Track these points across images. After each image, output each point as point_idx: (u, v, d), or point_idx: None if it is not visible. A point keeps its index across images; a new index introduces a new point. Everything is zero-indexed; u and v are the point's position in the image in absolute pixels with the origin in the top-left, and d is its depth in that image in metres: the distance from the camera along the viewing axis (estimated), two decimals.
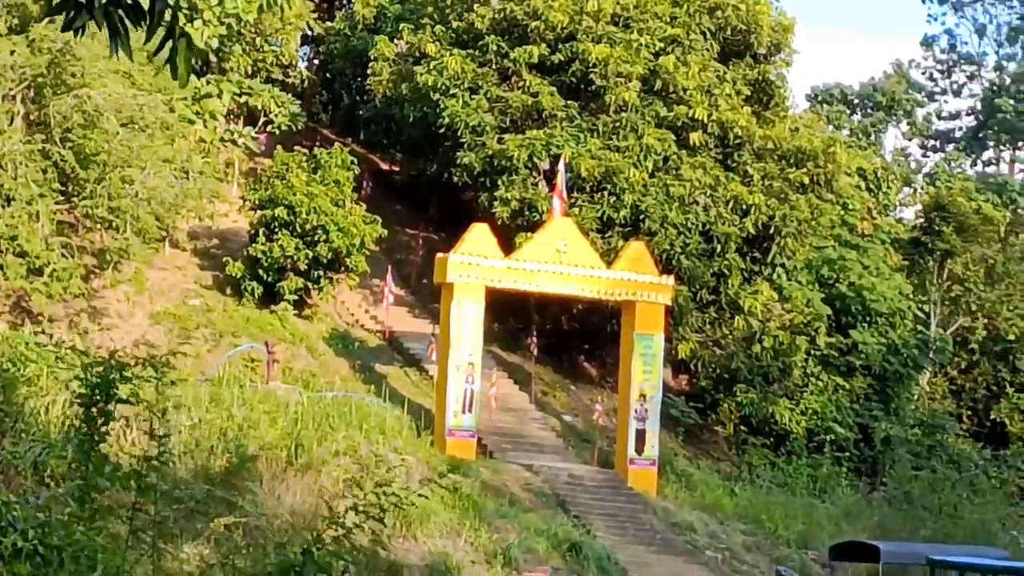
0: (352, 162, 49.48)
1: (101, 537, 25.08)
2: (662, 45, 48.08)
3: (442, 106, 47.73)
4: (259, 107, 53.96)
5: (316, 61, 61.09)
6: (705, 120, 47.65)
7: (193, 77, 33.96)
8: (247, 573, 30.21)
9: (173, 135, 44.62)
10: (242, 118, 54.29)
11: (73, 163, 40.19)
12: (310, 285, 46.43)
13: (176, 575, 30.00)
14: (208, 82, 50.79)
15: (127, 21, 5.80)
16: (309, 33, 59.02)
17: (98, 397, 23.91)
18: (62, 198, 41.29)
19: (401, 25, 51.77)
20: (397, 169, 56.95)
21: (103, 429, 25.52)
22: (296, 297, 46.12)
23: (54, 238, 40.77)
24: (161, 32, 5.81)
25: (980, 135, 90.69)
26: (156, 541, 29.69)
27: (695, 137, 47.31)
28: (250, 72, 53.41)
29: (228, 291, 46.59)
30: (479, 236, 42.14)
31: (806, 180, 47.65)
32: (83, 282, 41.77)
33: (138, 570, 29.11)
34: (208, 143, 49.70)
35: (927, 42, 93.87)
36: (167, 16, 5.97)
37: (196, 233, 49.48)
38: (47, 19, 39.03)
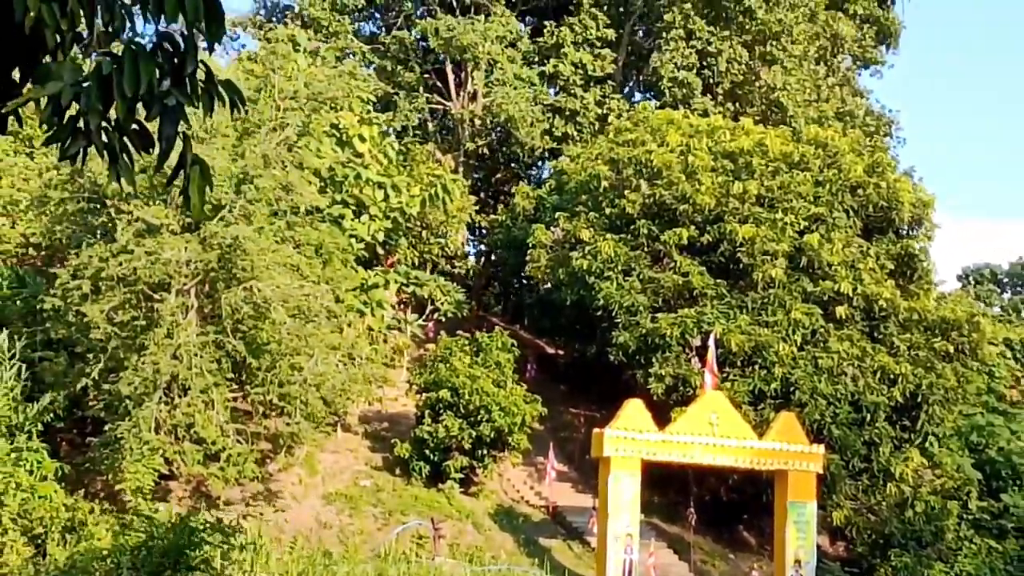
0: (513, 344, 56.05)
1: None
2: (806, 223, 54.24)
3: (597, 288, 54.16)
4: (426, 296, 60.15)
5: (482, 250, 67.96)
6: (850, 294, 53.75)
7: (361, 268, 47.77)
8: None
9: (340, 323, 51.06)
10: (410, 306, 60.63)
11: (244, 353, 46.26)
12: (475, 463, 53.02)
13: None
14: (375, 273, 56.71)
15: (131, 148, 8.04)
16: (475, 225, 66.58)
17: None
18: (235, 386, 47.56)
19: (557, 214, 57.85)
20: (561, 352, 63.32)
21: None
22: (462, 475, 52.66)
23: (229, 425, 46.61)
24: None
25: None
26: None
27: (841, 311, 53.60)
28: (417, 263, 59.64)
29: (397, 471, 53.30)
30: (634, 411, 48.01)
31: (951, 349, 53.55)
32: (257, 466, 47.83)
33: None
34: (376, 331, 56.53)
35: None
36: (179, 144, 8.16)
37: (366, 417, 56.28)
38: (216, 218, 45.98)
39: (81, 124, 7.45)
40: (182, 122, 7.90)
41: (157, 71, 7.57)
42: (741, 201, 54.49)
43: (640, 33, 67.78)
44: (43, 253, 50.27)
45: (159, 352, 44.85)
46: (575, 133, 63.86)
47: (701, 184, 54.48)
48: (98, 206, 47.13)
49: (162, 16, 7.70)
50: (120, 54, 7.41)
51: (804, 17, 65.48)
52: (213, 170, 43.71)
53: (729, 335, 52.83)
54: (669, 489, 55.08)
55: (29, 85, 7.92)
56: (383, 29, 69.51)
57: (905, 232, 57.21)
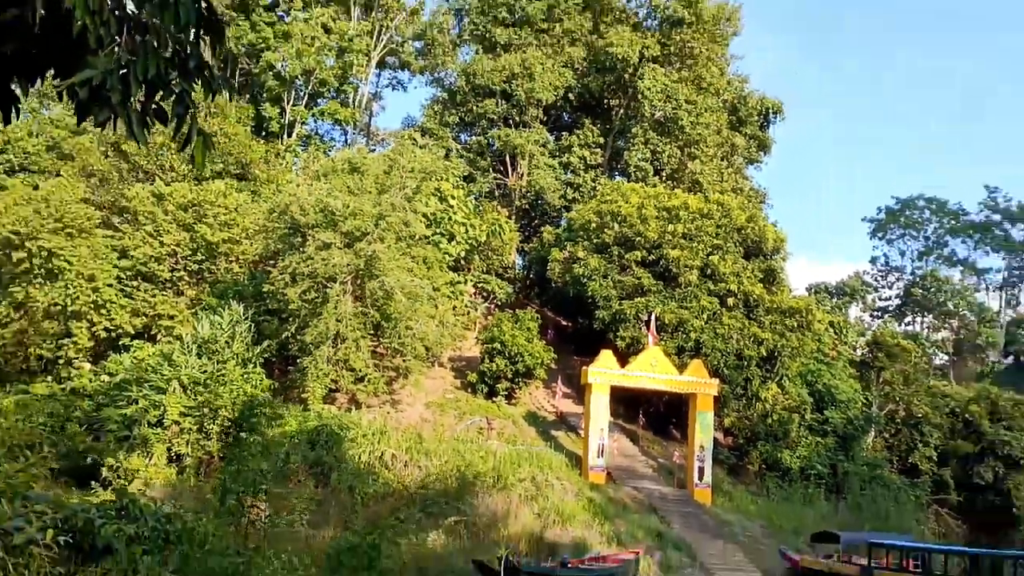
0: (538, 318, 56.24)
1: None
2: (711, 249, 54.68)
3: (588, 286, 54.88)
4: (489, 289, 60.78)
5: (524, 264, 67.49)
6: (736, 291, 54.39)
7: (451, 272, 48.55)
8: (466, 551, 35.65)
9: (436, 303, 51.00)
10: (480, 295, 61.00)
11: (378, 318, 47.54)
12: (513, 386, 53.73)
13: (422, 555, 36.54)
14: (460, 275, 57.51)
15: (149, 120, 7.14)
16: (520, 249, 65.76)
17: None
18: (373, 338, 48.12)
19: (566, 243, 58.12)
20: (567, 323, 63.18)
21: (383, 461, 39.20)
22: (506, 393, 53.34)
23: (369, 361, 47.84)
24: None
25: (902, 309, 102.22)
26: (412, 531, 41.64)
27: (731, 301, 54.32)
28: (484, 270, 59.67)
29: (468, 390, 53.84)
30: (606, 357, 49.27)
31: (796, 325, 54.13)
32: (386, 386, 49.26)
33: (404, 545, 40.09)
34: (458, 308, 56.58)
35: (873, 260, 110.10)
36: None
37: (452, 358, 56.53)
38: (364, 240, 46.22)
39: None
40: (189, 103, 7.43)
41: (164, 64, 7.04)
42: (672, 236, 54.65)
43: (618, 140, 66.55)
44: (265, 258, 50.43)
45: (329, 318, 45.96)
46: (578, 197, 63.26)
47: (649, 226, 54.70)
48: (295, 231, 47.57)
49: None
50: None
51: (714, 132, 65.29)
52: (362, 212, 45.82)
53: (664, 314, 53.33)
54: (627, 403, 55.13)
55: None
56: (469, 134, 68.61)
57: (769, 256, 57.13)
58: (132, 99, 7.00)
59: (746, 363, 54.15)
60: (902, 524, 52.01)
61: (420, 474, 43.04)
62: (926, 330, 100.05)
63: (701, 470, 49.96)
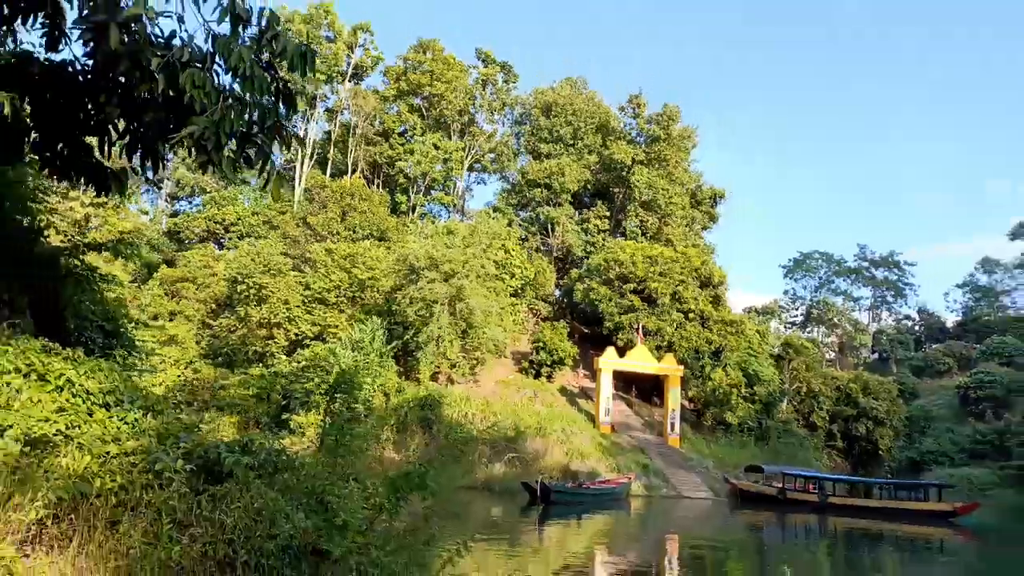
0: (567, 327, 55.83)
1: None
2: (677, 282, 53.32)
3: (599, 306, 53.89)
4: (536, 308, 60.11)
5: (560, 292, 63.84)
6: (694, 309, 53.14)
7: (512, 297, 47.95)
8: (518, 476, 37.20)
9: (502, 317, 50.70)
10: (530, 312, 60.29)
11: (464, 326, 46.90)
12: (552, 370, 52.88)
13: (491, 478, 37.36)
14: (516, 301, 56.81)
15: (239, 164, 6.51)
16: (557, 283, 63.56)
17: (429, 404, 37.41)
18: (462, 339, 47.48)
19: (585, 279, 57.35)
20: (587, 330, 61.05)
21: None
22: (548, 375, 52.65)
23: (459, 353, 47.55)
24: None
25: (805, 323, 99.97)
26: (485, 463, 42.43)
27: (691, 316, 52.93)
28: (534, 296, 59.14)
29: (523, 373, 53.03)
30: (610, 352, 48.75)
31: (734, 331, 53.24)
32: (470, 370, 48.75)
33: (478, 471, 41.03)
34: (516, 321, 56.24)
35: (785, 292, 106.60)
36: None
37: (513, 352, 55.39)
38: (454, 277, 45.73)
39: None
40: (268, 152, 6.79)
41: (247, 123, 6.41)
42: (653, 274, 53.59)
43: (619, 214, 65.64)
44: (394, 289, 49.38)
45: (433, 327, 45.45)
46: (593, 250, 62.29)
47: (637, 267, 53.71)
48: (412, 271, 47.23)
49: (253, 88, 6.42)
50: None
51: (680, 208, 64.54)
52: (454, 259, 45.62)
53: (647, 324, 52.37)
54: (625, 381, 53.73)
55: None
56: (524, 211, 68.31)
57: (715, 286, 55.89)
58: (223, 148, 6.35)
59: (702, 356, 52.78)
60: (807, 462, 50.98)
61: (490, 426, 42.76)
62: (820, 336, 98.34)
63: (673, 425, 49.10)
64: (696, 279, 54.46)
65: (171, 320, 52.27)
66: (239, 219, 64.93)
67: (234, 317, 48.99)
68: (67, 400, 8.62)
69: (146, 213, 77.55)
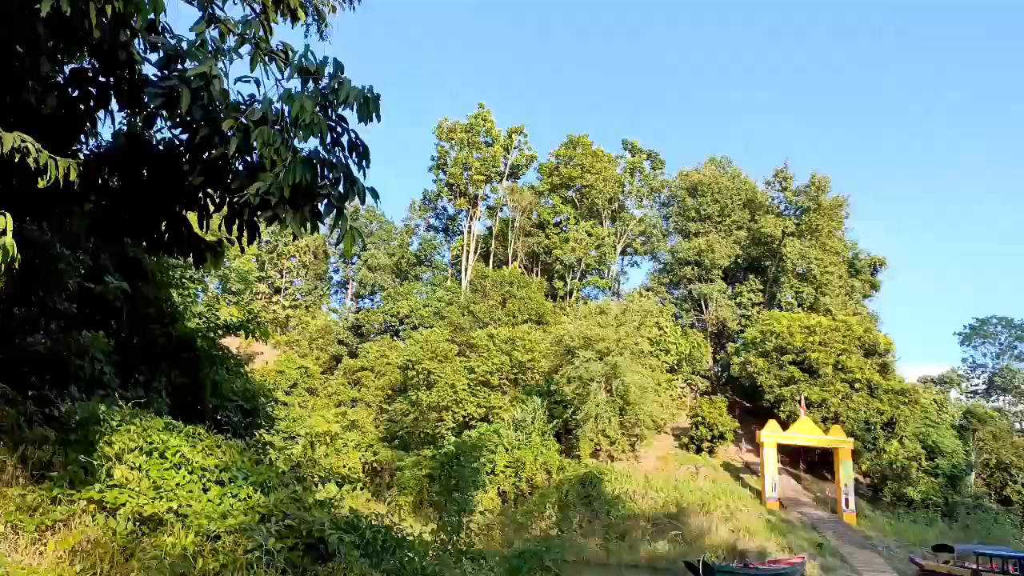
0: (726, 401, 52.58)
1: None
2: (840, 351, 48.70)
3: (757, 379, 50.55)
4: (693, 383, 57.16)
5: (718, 367, 61.23)
6: (860, 379, 48.08)
7: (668, 373, 45.75)
8: (682, 555, 38.15)
9: (659, 392, 49.13)
10: (688, 387, 57.50)
11: (621, 404, 45.06)
12: (712, 445, 49.87)
13: (654, 556, 35.21)
14: (672, 376, 54.75)
15: (306, 219, 5.90)
16: (713, 356, 61.27)
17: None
18: (619, 416, 45.56)
19: (741, 351, 53.61)
20: (747, 403, 57.08)
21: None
22: (708, 449, 49.65)
23: (618, 430, 45.57)
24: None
25: (988, 391, 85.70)
26: (647, 540, 39.83)
27: (857, 385, 48.09)
28: (691, 371, 56.49)
29: (683, 448, 50.20)
30: (772, 425, 45.30)
31: (907, 400, 47.72)
32: (629, 447, 46.78)
33: (641, 549, 38.43)
34: (673, 396, 54.27)
35: (963, 360, 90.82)
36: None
37: (672, 427, 52.69)
38: (609, 355, 44.61)
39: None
40: (337, 205, 6.24)
41: (309, 174, 5.86)
42: (812, 343, 50.12)
43: (772, 287, 62.25)
44: (552, 370, 48.84)
45: (590, 404, 44.39)
46: (748, 323, 59.34)
47: (795, 338, 50.43)
48: (568, 352, 46.66)
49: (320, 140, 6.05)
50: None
51: (837, 276, 60.52)
52: (607, 338, 44.39)
53: (810, 395, 48.54)
54: (792, 455, 50.11)
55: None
56: (677, 289, 66.32)
57: (882, 354, 51.52)
58: (286, 203, 5.84)
59: (872, 427, 48.04)
60: (1002, 540, 44.09)
61: (651, 503, 40.66)
62: (1007, 405, 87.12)
63: (847, 500, 44.25)
64: (860, 348, 50.06)
65: (353, 406, 53.95)
66: (412, 311, 67.03)
67: (407, 402, 49.95)
68: (184, 477, 8.20)
69: (336, 312, 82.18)
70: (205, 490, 8.36)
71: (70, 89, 6.69)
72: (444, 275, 78.14)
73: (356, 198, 6.30)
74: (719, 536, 37.66)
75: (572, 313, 54.45)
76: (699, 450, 49.82)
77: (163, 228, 7.10)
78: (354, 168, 6.26)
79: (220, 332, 11.16)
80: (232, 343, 66.28)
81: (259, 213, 6.05)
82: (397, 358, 53.71)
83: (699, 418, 50.28)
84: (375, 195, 6.30)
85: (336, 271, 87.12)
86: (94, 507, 7.32)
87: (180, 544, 7.00)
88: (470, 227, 77.31)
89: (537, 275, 71.16)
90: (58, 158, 5.44)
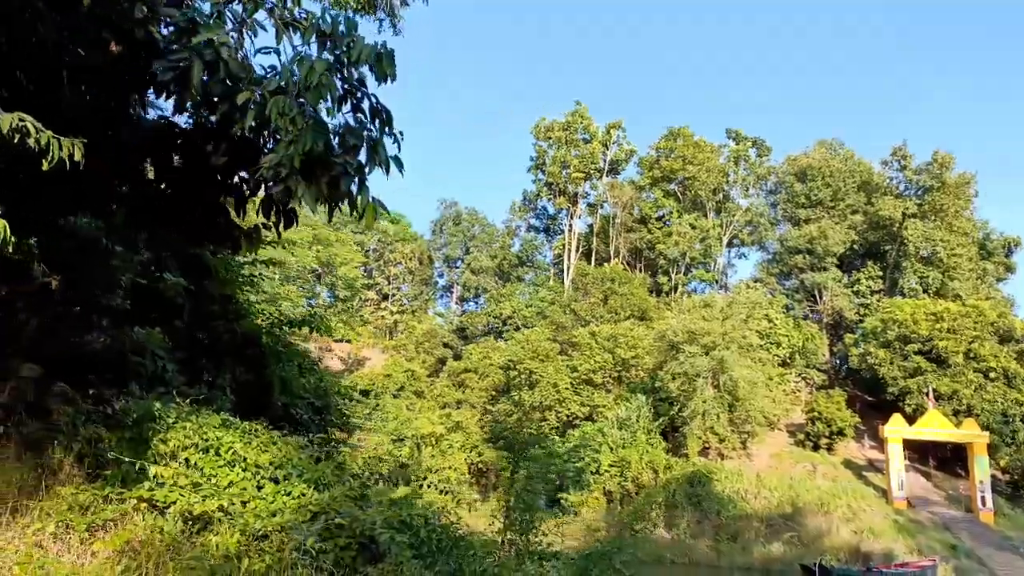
0: (844, 395, 49.96)
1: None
2: (971, 339, 45.42)
3: (878, 370, 47.59)
4: (809, 377, 54.81)
5: (835, 359, 58.94)
6: (996, 368, 44.71)
7: (779, 367, 43.47)
8: (798, 557, 33.30)
9: (770, 387, 46.97)
10: (803, 381, 54.99)
11: (730, 399, 43.55)
12: (831, 442, 47.20)
13: (768, 559, 33.73)
14: (785, 370, 52.12)
15: (322, 192, 5.30)
16: (830, 348, 58.49)
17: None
18: (728, 412, 43.86)
19: (860, 342, 51.12)
20: (869, 397, 54.38)
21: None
22: (827, 446, 47.04)
23: (726, 427, 43.87)
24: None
25: None
26: (761, 542, 37.63)
27: (994, 376, 44.79)
28: (805, 365, 54.04)
29: (799, 446, 47.84)
30: (896, 419, 42.60)
31: None
32: (740, 444, 45.10)
33: (754, 550, 36.37)
34: (786, 391, 51.88)
35: None
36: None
37: (787, 424, 50.41)
38: (714, 349, 43.01)
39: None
40: (356, 176, 5.60)
41: (321, 143, 5.30)
42: (940, 331, 46.71)
43: (893, 273, 59.00)
44: (656, 366, 47.76)
45: (697, 401, 43.17)
46: (867, 312, 56.57)
47: (920, 326, 47.17)
48: (671, 347, 45.37)
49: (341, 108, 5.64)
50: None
51: (966, 259, 57.02)
52: (712, 331, 42.77)
53: (939, 386, 45.43)
54: (919, 451, 47.01)
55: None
56: (788, 279, 63.63)
57: (1019, 340, 46.97)
58: (298, 174, 5.37)
59: (1011, 419, 44.12)
60: None
61: (764, 503, 38.79)
62: None
63: (983, 498, 40.91)
64: (994, 334, 46.28)
65: (457, 408, 54.28)
66: (514, 312, 67.01)
67: (510, 402, 49.82)
68: (238, 474, 7.98)
69: (442, 316, 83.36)
70: (259, 487, 7.91)
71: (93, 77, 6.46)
72: (546, 275, 77.85)
73: (379, 167, 5.75)
74: (839, 537, 35.50)
75: (676, 307, 52.56)
76: (816, 447, 47.28)
77: (196, 215, 6.80)
78: (375, 135, 5.76)
79: (285, 329, 11.04)
80: (343, 349, 68.41)
81: (273, 187, 5.58)
82: (499, 359, 53.70)
83: (815, 413, 47.64)
84: (399, 164, 5.79)
85: (441, 276, 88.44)
86: (145, 506, 7.16)
87: (225, 544, 6.76)
88: (571, 225, 76.81)
89: (640, 271, 69.81)
90: (62, 138, 5.21)
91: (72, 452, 7.47)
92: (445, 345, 68.45)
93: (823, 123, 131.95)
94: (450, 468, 46.12)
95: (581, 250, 75.78)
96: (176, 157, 6.68)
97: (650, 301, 57.55)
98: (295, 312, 12.42)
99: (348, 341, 72.58)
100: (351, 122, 5.73)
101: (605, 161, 76.82)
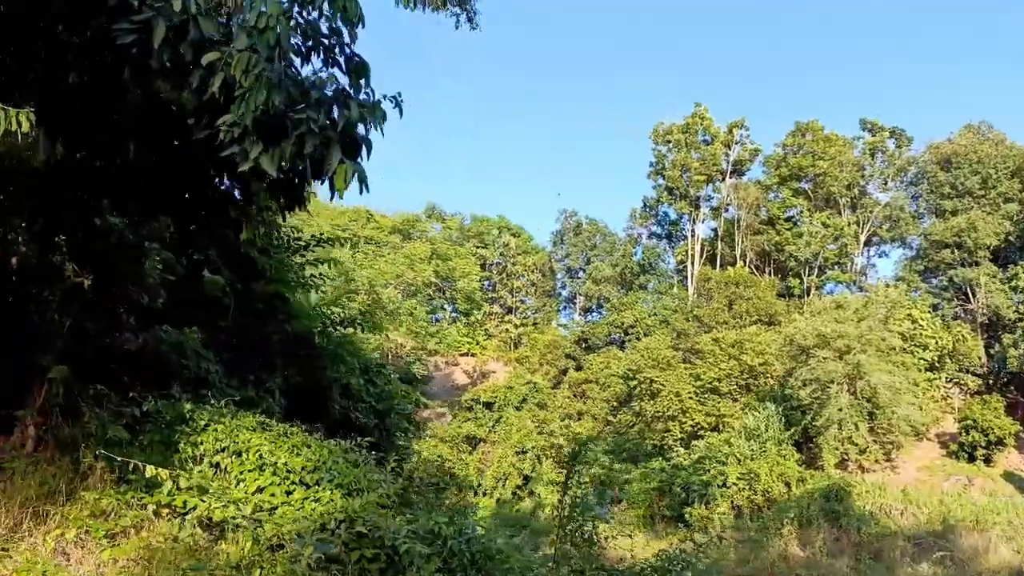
0: (1003, 401, 45.29)
1: None
2: None
3: None
4: (962, 382, 49.85)
5: (993, 360, 52.37)
6: None
7: (925, 371, 39.54)
8: None
9: (916, 394, 42.88)
10: (956, 386, 50.17)
11: (869, 407, 40.34)
12: (988, 452, 42.98)
13: None
14: (933, 375, 47.93)
15: (281, 156, 4.73)
16: (986, 349, 52.85)
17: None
18: (869, 421, 40.74)
19: (1021, 344, 47.27)
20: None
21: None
22: (984, 458, 43.06)
23: (865, 436, 40.49)
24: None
25: None
26: (908, 563, 34.05)
27: None
28: (957, 368, 49.02)
29: (951, 457, 44.30)
30: None
31: None
32: (884, 456, 41.85)
33: (899, 572, 32.84)
34: (935, 397, 47.88)
35: None
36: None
37: (937, 433, 46.83)
38: (850, 352, 39.34)
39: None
40: (320, 133, 5.01)
41: (277, 98, 4.71)
42: None
43: None
44: (787, 373, 45.19)
45: (832, 409, 40.38)
46: None
47: None
48: (801, 351, 42.89)
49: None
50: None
51: None
52: (846, 334, 39.73)
53: None
54: None
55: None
56: (933, 276, 59.14)
57: None
58: (249, 134, 4.84)
59: None
60: None
61: (911, 519, 35.47)
62: None
63: None
64: None
65: (579, 419, 53.55)
66: (637, 321, 65.59)
67: (631, 413, 48.56)
68: (266, 479, 7.62)
69: (566, 327, 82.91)
70: (288, 493, 7.63)
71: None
72: (670, 282, 75.75)
73: (352, 125, 5.17)
74: (998, 557, 31.61)
75: (806, 310, 49.47)
76: (971, 458, 43.24)
77: (188, 197, 6.43)
78: (347, 89, 5.23)
79: (338, 328, 10.64)
80: (468, 363, 69.15)
81: (228, 151, 5.02)
82: (619, 368, 52.47)
83: (970, 421, 43.57)
84: (378, 115, 5.19)
85: (563, 287, 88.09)
86: (167, 512, 6.96)
87: (237, 553, 6.48)
88: (693, 230, 74.65)
89: (769, 275, 66.55)
90: (9, 108, 4.93)
91: (102, 456, 7.28)
92: (567, 356, 67.77)
93: (968, 106, 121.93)
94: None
95: (705, 255, 73.38)
96: (166, 136, 6.42)
97: (778, 305, 54.74)
98: (346, 312, 12.01)
99: (473, 355, 73.62)
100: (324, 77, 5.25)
101: (728, 162, 74.34)
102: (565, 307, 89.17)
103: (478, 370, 68.42)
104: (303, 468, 7.73)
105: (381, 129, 5.47)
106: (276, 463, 7.86)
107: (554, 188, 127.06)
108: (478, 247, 79.27)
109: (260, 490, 7.58)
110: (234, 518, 7.10)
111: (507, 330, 77.68)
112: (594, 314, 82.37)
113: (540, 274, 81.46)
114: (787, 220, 69.74)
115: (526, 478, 50.39)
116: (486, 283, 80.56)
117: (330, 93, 5.12)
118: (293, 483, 7.63)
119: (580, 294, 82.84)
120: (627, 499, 43.43)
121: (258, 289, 9.31)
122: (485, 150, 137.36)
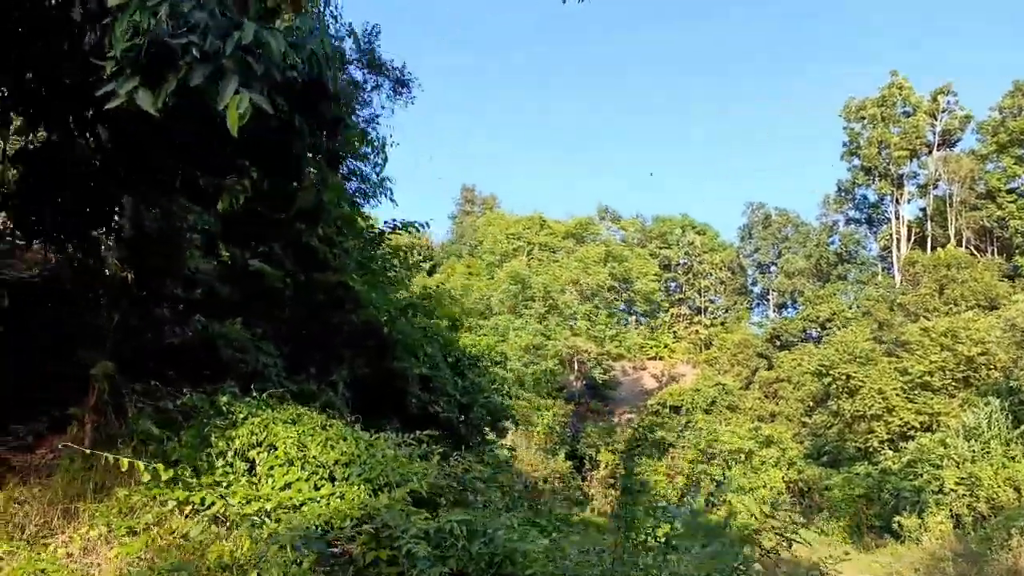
0: None
1: None
2: None
3: None
4: None
5: None
6: None
7: None
8: None
9: None
10: None
11: None
12: None
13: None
14: None
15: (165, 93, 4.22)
16: None
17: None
18: None
19: None
20: None
21: None
22: None
23: None
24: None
25: None
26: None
27: None
28: None
29: None
30: None
31: None
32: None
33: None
34: None
35: None
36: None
37: None
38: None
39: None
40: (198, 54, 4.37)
41: (148, 19, 4.14)
42: None
43: None
44: (1013, 361, 39.96)
45: None
46: None
47: None
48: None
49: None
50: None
51: None
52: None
53: None
54: None
55: None
56: None
57: None
58: (130, 66, 4.30)
59: None
60: None
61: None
62: None
63: None
64: None
65: (771, 421, 50.12)
66: (834, 314, 60.48)
67: (828, 412, 44.63)
68: (295, 474, 7.32)
69: (760, 326, 78.48)
70: (317, 488, 7.26)
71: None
72: (872, 271, 69.28)
73: (243, 52, 4.41)
74: None
75: None
76: None
77: (156, 168, 6.09)
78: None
79: (395, 312, 10.00)
80: (656, 367, 67.25)
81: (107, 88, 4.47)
82: (811, 365, 48.48)
83: None
84: (275, 37, 4.45)
85: (754, 284, 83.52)
86: (190, 508, 6.83)
87: (238, 553, 6.18)
88: (897, 212, 67.85)
89: (993, 255, 58.95)
90: None
91: (141, 452, 7.20)
92: (759, 355, 63.81)
93: None
94: (764, 487, 42.47)
95: (914, 238, 66.36)
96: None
97: (1000, 287, 48.10)
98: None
99: (661, 358, 71.59)
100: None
101: (935, 134, 67.12)
102: (758, 304, 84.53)
103: (667, 374, 66.40)
104: (336, 462, 7.34)
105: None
106: (306, 457, 7.43)
107: (737, 184, 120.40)
108: (661, 247, 77.08)
109: (288, 486, 7.18)
110: (248, 515, 6.75)
111: (696, 331, 74.82)
112: (789, 310, 77.27)
113: (729, 272, 77.87)
114: (1010, 192, 62.29)
115: (717, 483, 47.80)
116: (672, 284, 78.13)
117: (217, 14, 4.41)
118: (323, 478, 7.26)
119: (773, 290, 78.10)
120: (828, 507, 40.05)
121: (321, 279, 8.97)
122: (667, 150, 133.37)
